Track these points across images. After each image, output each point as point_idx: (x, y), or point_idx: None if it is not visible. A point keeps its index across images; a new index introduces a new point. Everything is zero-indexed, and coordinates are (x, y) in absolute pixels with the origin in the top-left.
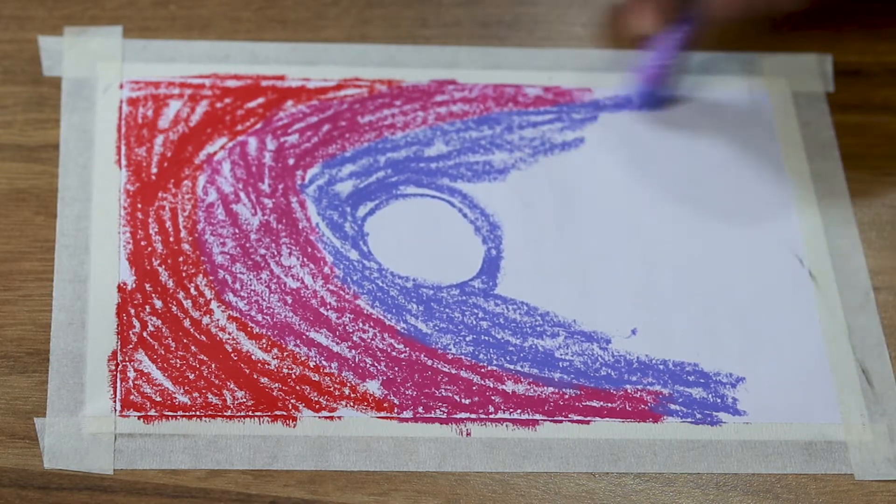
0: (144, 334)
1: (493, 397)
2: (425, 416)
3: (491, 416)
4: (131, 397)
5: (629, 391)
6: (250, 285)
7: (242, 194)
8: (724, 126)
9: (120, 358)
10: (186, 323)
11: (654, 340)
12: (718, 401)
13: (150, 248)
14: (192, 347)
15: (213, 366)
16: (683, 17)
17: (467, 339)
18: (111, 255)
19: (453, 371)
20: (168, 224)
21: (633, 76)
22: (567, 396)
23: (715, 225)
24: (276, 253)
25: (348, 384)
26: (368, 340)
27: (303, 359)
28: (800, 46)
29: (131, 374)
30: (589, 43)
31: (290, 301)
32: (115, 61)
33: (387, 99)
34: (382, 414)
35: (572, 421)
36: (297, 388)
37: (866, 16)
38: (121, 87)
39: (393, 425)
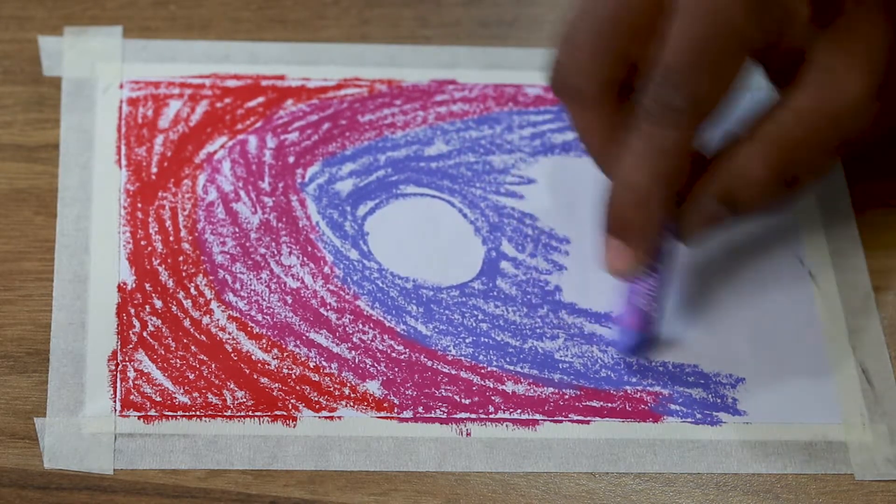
0: (144, 334)
1: (493, 397)
2: (425, 416)
3: (491, 416)
4: (131, 397)
5: (629, 391)
6: (250, 285)
7: (242, 192)
8: (724, 126)
9: (120, 358)
10: (186, 323)
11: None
12: (718, 401)
13: (150, 248)
14: (192, 347)
15: (213, 366)
16: (661, 254)
17: (467, 340)
18: (111, 255)
19: (453, 372)
20: (168, 224)
21: (618, 325)
22: (567, 396)
23: None
24: (276, 252)
25: (348, 384)
26: (368, 342)
27: (303, 359)
28: None
29: (131, 374)
30: None
31: (290, 301)
32: (115, 61)
33: (387, 98)
34: (382, 414)
35: (572, 421)
36: (297, 388)
37: None
38: (121, 87)
39: (393, 425)
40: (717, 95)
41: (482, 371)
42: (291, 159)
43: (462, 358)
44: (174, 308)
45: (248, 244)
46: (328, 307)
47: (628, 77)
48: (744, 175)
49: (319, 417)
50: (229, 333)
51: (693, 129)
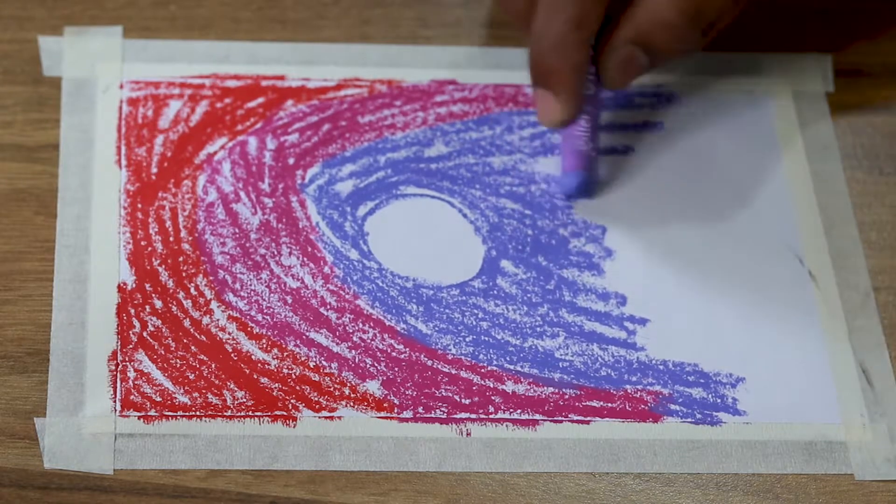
0: (144, 334)
1: (493, 397)
2: (425, 416)
3: (491, 416)
4: (131, 397)
5: (629, 391)
6: (250, 285)
7: (242, 194)
8: (724, 126)
9: (120, 358)
10: (186, 323)
11: (654, 340)
12: (718, 401)
13: (150, 248)
14: (192, 347)
15: (213, 366)
16: (588, 97)
17: (467, 339)
18: (111, 255)
19: (453, 371)
20: (168, 224)
21: (561, 172)
22: (567, 396)
23: (715, 225)
24: (276, 252)
25: (348, 384)
26: (368, 341)
27: (303, 359)
28: (800, 46)
29: (131, 374)
30: None
31: (290, 301)
32: (115, 61)
33: (387, 99)
34: (382, 414)
35: (572, 421)
36: (297, 388)
37: (867, 16)
38: (121, 87)
39: (393, 425)
40: None
41: (482, 370)
42: (291, 161)
43: (462, 357)
44: (174, 308)
45: (248, 245)
46: (328, 307)
47: None
48: (657, 18)
49: (319, 417)
50: (229, 333)
51: None
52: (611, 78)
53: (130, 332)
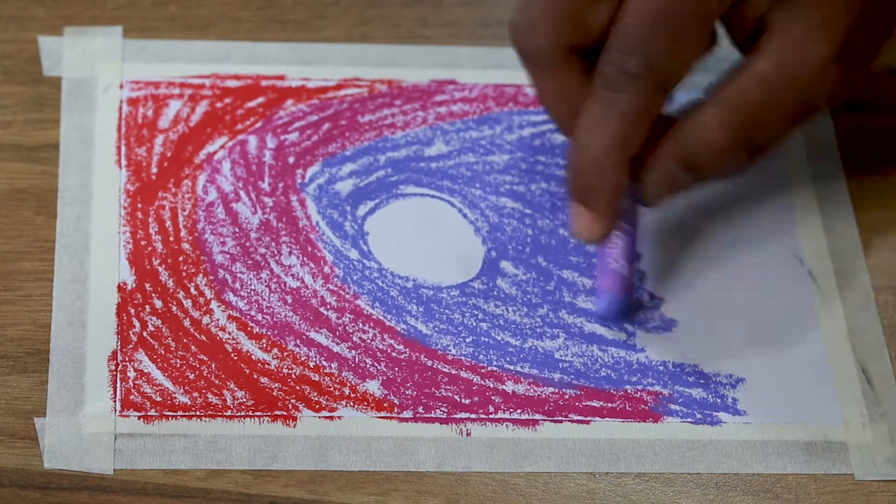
0: (144, 334)
1: (493, 397)
2: (425, 416)
3: (491, 416)
4: (131, 397)
5: (629, 391)
6: (250, 285)
7: (242, 193)
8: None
9: (120, 358)
10: (186, 323)
11: (654, 341)
12: (718, 401)
13: (150, 248)
14: (192, 347)
15: (213, 366)
16: (626, 217)
17: (467, 340)
18: (111, 255)
19: (453, 371)
20: (168, 224)
21: (598, 294)
22: (567, 396)
23: (714, 225)
24: (276, 252)
25: (348, 384)
26: (368, 341)
27: (303, 359)
28: None
29: (131, 374)
30: None
31: (290, 301)
32: (115, 61)
33: (387, 98)
34: (382, 414)
35: (572, 421)
36: (297, 388)
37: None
38: (121, 87)
39: (393, 425)
40: (676, 61)
41: (482, 371)
42: (291, 160)
43: (462, 357)
44: (174, 308)
45: (248, 244)
46: (328, 306)
47: (594, 42)
48: (704, 139)
49: (319, 417)
50: (229, 333)
51: (650, 94)
52: (650, 194)
53: (130, 331)
